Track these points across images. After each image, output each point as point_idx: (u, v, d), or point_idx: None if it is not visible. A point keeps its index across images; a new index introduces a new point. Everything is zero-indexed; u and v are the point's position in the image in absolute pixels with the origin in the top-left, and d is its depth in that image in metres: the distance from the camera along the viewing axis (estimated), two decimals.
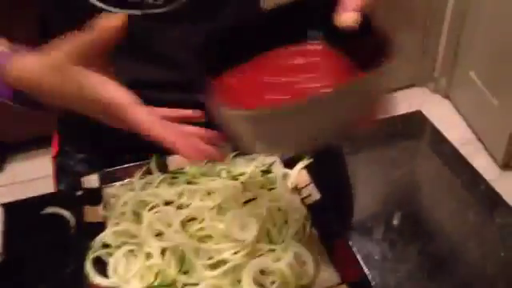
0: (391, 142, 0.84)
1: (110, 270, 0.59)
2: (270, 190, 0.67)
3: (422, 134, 0.89)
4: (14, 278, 0.62)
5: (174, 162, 0.74)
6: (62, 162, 0.85)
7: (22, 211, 0.68)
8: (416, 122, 0.89)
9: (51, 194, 0.73)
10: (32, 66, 0.54)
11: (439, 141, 0.83)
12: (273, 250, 0.59)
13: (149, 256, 0.60)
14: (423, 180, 0.80)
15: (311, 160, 0.72)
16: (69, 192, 0.70)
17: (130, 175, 0.72)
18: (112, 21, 0.52)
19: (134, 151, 0.71)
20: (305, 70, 0.52)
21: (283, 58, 0.53)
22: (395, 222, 0.68)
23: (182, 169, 0.73)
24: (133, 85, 0.70)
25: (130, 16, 0.56)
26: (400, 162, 0.80)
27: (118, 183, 0.72)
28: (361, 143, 0.83)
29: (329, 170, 0.75)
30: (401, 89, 2.31)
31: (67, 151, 0.85)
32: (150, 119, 0.54)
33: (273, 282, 0.57)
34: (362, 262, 0.57)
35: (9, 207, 0.62)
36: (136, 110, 0.54)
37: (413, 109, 0.89)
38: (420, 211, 0.72)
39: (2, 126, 1.99)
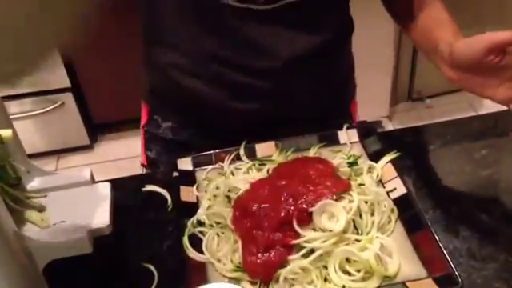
0: (480, 140, 0.82)
1: (204, 246, 0.64)
2: (356, 181, 0.69)
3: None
4: (118, 248, 0.68)
5: (261, 149, 0.77)
6: (150, 130, 0.91)
7: (126, 188, 0.74)
8: (506, 120, 0.86)
9: (151, 173, 0.78)
10: None
11: None
12: (359, 241, 0.61)
13: (237, 240, 0.63)
14: None
15: (398, 154, 0.73)
16: (166, 173, 0.75)
17: (221, 160, 0.77)
18: None
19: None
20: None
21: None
22: (483, 220, 0.67)
23: (270, 156, 0.76)
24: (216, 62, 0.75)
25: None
26: (489, 159, 0.78)
27: (209, 167, 0.76)
28: (449, 139, 0.82)
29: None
30: None
31: (156, 120, 0.90)
32: None
33: (358, 271, 0.59)
34: (448, 258, 0.58)
35: (115, 183, 0.68)
36: None
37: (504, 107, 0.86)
38: (509, 210, 0.71)
39: (93, 108, 2.13)
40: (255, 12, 0.70)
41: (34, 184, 0.67)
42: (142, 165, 0.94)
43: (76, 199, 0.66)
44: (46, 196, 0.66)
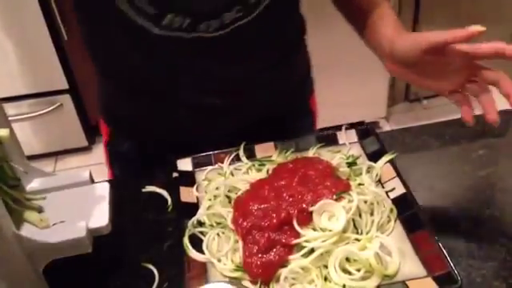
0: (478, 140, 0.83)
1: (204, 246, 0.64)
2: (356, 181, 0.69)
3: (510, 132, 0.87)
4: (118, 248, 0.68)
5: (260, 149, 0.78)
6: (112, 149, 0.92)
7: (125, 188, 0.74)
8: (504, 120, 0.86)
9: (151, 174, 0.78)
10: None
11: None
12: (358, 240, 0.61)
13: (238, 240, 0.63)
14: (510, 178, 0.78)
15: (396, 154, 0.73)
16: (167, 174, 0.75)
17: (221, 161, 0.77)
18: None
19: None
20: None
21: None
22: (482, 219, 0.68)
23: (270, 156, 0.76)
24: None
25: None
26: (487, 159, 0.78)
27: (208, 167, 0.77)
28: (447, 139, 0.83)
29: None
30: None
31: (117, 138, 0.90)
32: None
33: (358, 270, 0.59)
34: (447, 257, 0.58)
35: (113, 183, 0.67)
36: None
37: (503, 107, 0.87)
38: (507, 209, 0.71)
39: (90, 110, 2.13)
40: (207, 39, 0.70)
41: (33, 185, 0.67)
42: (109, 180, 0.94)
43: (75, 199, 0.66)
44: (45, 197, 0.66)
